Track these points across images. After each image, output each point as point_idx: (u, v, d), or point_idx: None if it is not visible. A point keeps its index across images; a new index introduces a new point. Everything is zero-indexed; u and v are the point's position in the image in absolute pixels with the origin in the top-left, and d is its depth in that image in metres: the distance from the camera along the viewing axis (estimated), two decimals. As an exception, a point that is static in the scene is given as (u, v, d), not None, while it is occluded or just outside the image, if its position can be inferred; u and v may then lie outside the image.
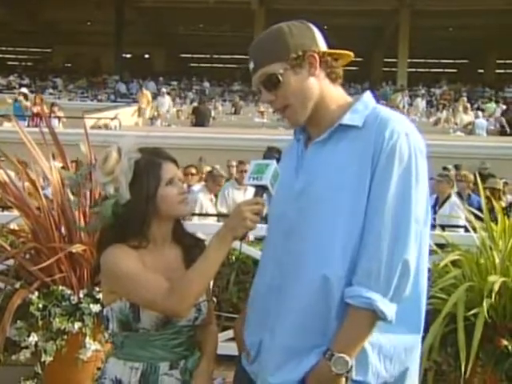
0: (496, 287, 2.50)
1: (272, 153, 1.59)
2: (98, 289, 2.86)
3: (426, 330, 2.56)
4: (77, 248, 2.94)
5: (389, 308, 1.47)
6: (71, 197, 3.00)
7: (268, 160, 1.56)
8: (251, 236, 4.22)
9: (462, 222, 4.88)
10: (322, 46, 1.62)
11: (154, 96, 20.66)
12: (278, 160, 1.56)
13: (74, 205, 2.79)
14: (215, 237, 1.58)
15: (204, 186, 6.77)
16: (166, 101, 20.29)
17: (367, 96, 1.64)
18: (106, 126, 14.99)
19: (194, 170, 7.26)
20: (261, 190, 1.54)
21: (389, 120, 1.52)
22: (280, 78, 1.56)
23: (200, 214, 5.77)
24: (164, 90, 21.45)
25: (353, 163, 1.51)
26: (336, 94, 1.64)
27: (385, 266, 1.46)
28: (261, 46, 1.62)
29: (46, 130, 3.50)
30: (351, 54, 1.66)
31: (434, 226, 4.76)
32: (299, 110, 1.60)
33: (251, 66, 1.62)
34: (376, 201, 1.48)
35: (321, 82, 1.60)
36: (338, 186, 1.51)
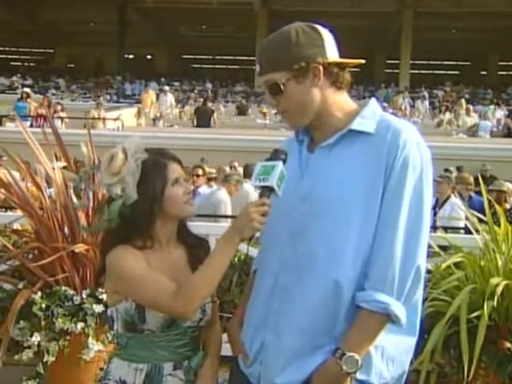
0: (499, 290, 2.50)
1: (278, 154, 1.58)
2: (101, 289, 2.86)
3: (428, 332, 2.57)
4: (80, 248, 2.95)
5: (402, 312, 1.52)
6: (75, 199, 3.01)
7: (274, 161, 1.56)
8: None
9: (463, 223, 4.87)
10: (331, 53, 1.61)
11: (157, 96, 20.53)
12: (285, 161, 1.57)
13: (80, 206, 2.79)
14: (222, 238, 1.58)
15: (221, 186, 6.66)
16: (168, 99, 19.88)
17: (374, 103, 1.66)
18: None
19: (200, 171, 7.12)
20: (267, 191, 1.54)
21: (402, 130, 1.55)
22: (282, 88, 1.58)
23: (211, 216, 5.73)
24: (167, 87, 21.08)
25: (364, 169, 1.53)
26: (341, 100, 1.64)
27: (399, 272, 1.50)
28: (267, 51, 1.62)
29: (49, 130, 3.50)
30: (361, 61, 1.66)
31: (435, 228, 4.78)
32: (298, 117, 1.62)
33: (258, 68, 1.64)
34: (390, 209, 1.52)
35: (324, 91, 1.60)
36: (348, 191, 1.53)
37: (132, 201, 1.66)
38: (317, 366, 1.52)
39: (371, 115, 1.60)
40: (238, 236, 1.54)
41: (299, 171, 1.63)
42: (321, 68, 1.57)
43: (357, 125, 1.57)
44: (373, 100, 1.67)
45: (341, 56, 1.65)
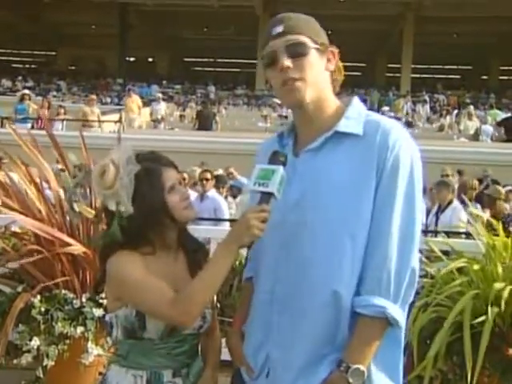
0: (504, 295, 2.48)
1: (278, 157, 1.53)
2: (102, 295, 2.83)
3: (430, 338, 2.54)
4: (77, 250, 2.92)
5: (400, 315, 1.50)
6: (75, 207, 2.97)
7: (274, 165, 1.50)
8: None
9: (464, 228, 4.85)
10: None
11: (150, 102, 19.69)
12: (285, 165, 1.51)
13: (74, 217, 2.75)
14: (221, 245, 1.55)
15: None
16: (162, 107, 18.69)
17: (357, 101, 1.62)
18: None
19: (208, 175, 6.94)
20: (267, 196, 1.48)
21: (391, 129, 1.52)
22: (307, 50, 1.54)
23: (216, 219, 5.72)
24: (159, 95, 20.02)
25: (354, 172, 1.50)
26: (333, 99, 1.62)
27: (394, 274, 1.48)
28: (296, 18, 1.59)
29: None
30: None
31: (436, 233, 4.76)
32: (310, 89, 1.54)
33: (279, 29, 1.55)
34: (383, 211, 1.49)
35: (328, 81, 1.60)
36: (340, 195, 1.49)
37: (128, 214, 1.64)
38: (323, 380, 1.49)
39: (356, 115, 1.56)
40: (236, 243, 1.51)
41: (287, 177, 1.55)
42: (336, 54, 1.59)
43: (342, 126, 1.54)
44: (355, 99, 1.64)
45: (341, 59, 1.64)
